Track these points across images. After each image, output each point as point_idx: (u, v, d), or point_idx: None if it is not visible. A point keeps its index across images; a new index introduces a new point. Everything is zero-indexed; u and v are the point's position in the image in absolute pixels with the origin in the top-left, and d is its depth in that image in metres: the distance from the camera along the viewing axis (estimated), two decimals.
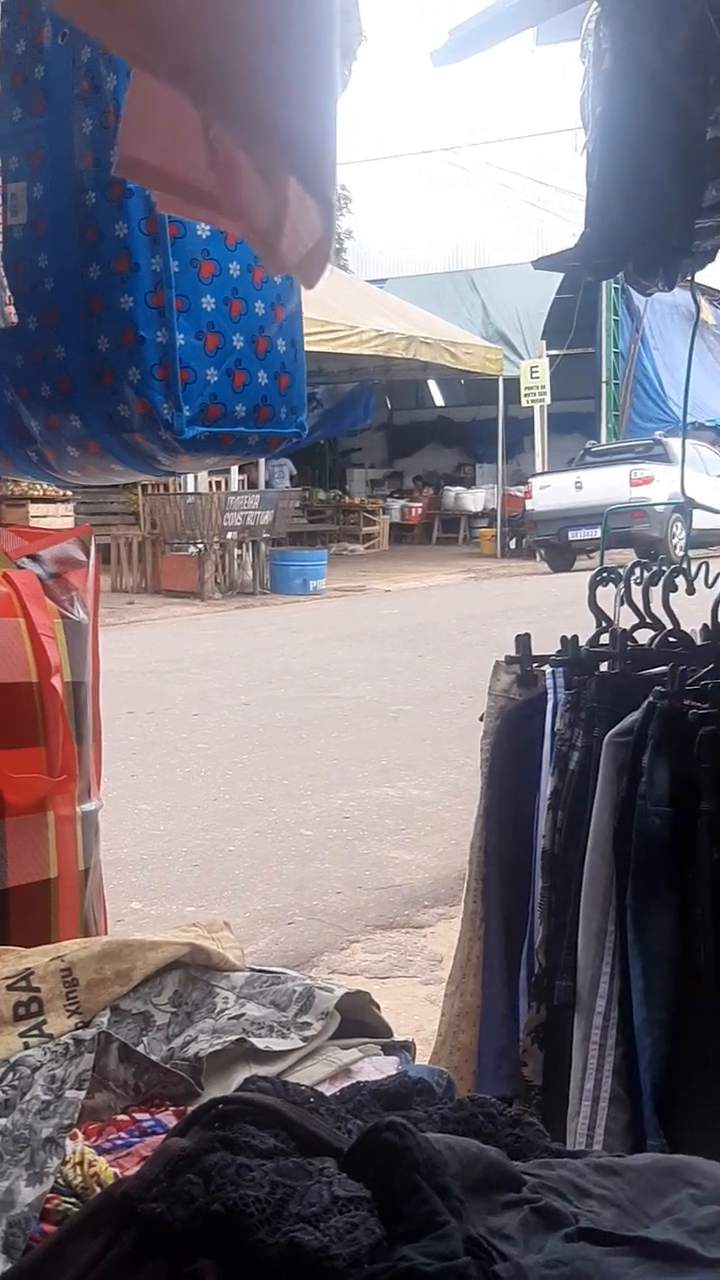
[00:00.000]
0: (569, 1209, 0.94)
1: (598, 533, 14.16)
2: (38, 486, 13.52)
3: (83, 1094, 1.19)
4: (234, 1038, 1.29)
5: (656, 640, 2.16)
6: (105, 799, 1.93)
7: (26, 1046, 1.25)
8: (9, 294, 1.67)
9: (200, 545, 14.55)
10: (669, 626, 2.18)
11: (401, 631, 11.24)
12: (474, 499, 22.44)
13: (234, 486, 16.44)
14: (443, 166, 21.88)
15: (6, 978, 1.32)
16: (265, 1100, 1.01)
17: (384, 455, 26.65)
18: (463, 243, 22.27)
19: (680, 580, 2.19)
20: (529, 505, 17.33)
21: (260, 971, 1.44)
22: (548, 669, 2.14)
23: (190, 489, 15.09)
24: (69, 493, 14.06)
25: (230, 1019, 1.33)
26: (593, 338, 20.92)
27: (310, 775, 6.10)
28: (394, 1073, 1.26)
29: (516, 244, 19.89)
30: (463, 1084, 2.11)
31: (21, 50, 1.76)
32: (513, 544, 19.78)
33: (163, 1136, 1.08)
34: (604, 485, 15.54)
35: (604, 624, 2.18)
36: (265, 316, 1.79)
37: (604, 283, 17.25)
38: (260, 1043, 1.29)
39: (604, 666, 2.10)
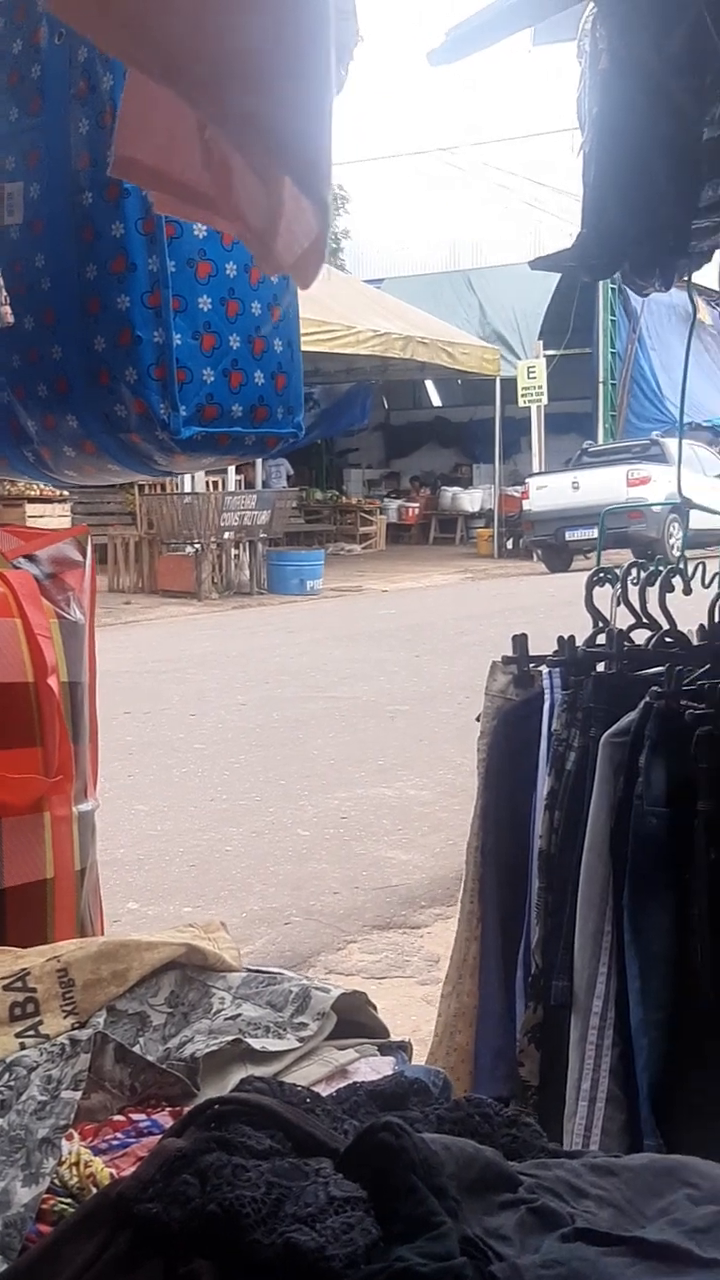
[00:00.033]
0: (565, 1209, 0.94)
1: (595, 533, 14.17)
2: (34, 486, 13.51)
3: (79, 1094, 1.19)
4: (230, 1038, 1.29)
5: (653, 640, 2.16)
6: (102, 799, 1.93)
7: (23, 1047, 1.25)
8: (5, 294, 1.67)
9: (197, 545, 14.54)
10: (666, 627, 2.18)
11: (398, 632, 11.24)
12: (471, 499, 22.44)
13: (231, 486, 16.44)
14: (440, 166, 21.88)
15: (3, 978, 1.32)
16: (261, 1101, 1.01)
17: (381, 455, 26.65)
18: (460, 243, 22.27)
19: (677, 580, 2.20)
20: (526, 505, 17.34)
21: (256, 972, 1.44)
22: (544, 669, 2.14)
23: (187, 489, 15.08)
24: (66, 493, 14.06)
25: (226, 1019, 1.33)
26: (590, 338, 20.93)
27: (307, 775, 6.10)
28: (390, 1073, 1.26)
29: (514, 244, 19.89)
30: (459, 1084, 2.11)
31: (18, 50, 1.76)
32: (510, 544, 19.79)
33: (159, 1137, 1.07)
34: (601, 485, 15.54)
35: (601, 624, 2.18)
36: (262, 317, 1.79)
37: (601, 283, 17.29)
38: (256, 1043, 1.29)
39: (601, 667, 2.10)
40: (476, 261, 21.86)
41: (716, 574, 2.31)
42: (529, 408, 19.42)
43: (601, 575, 2.21)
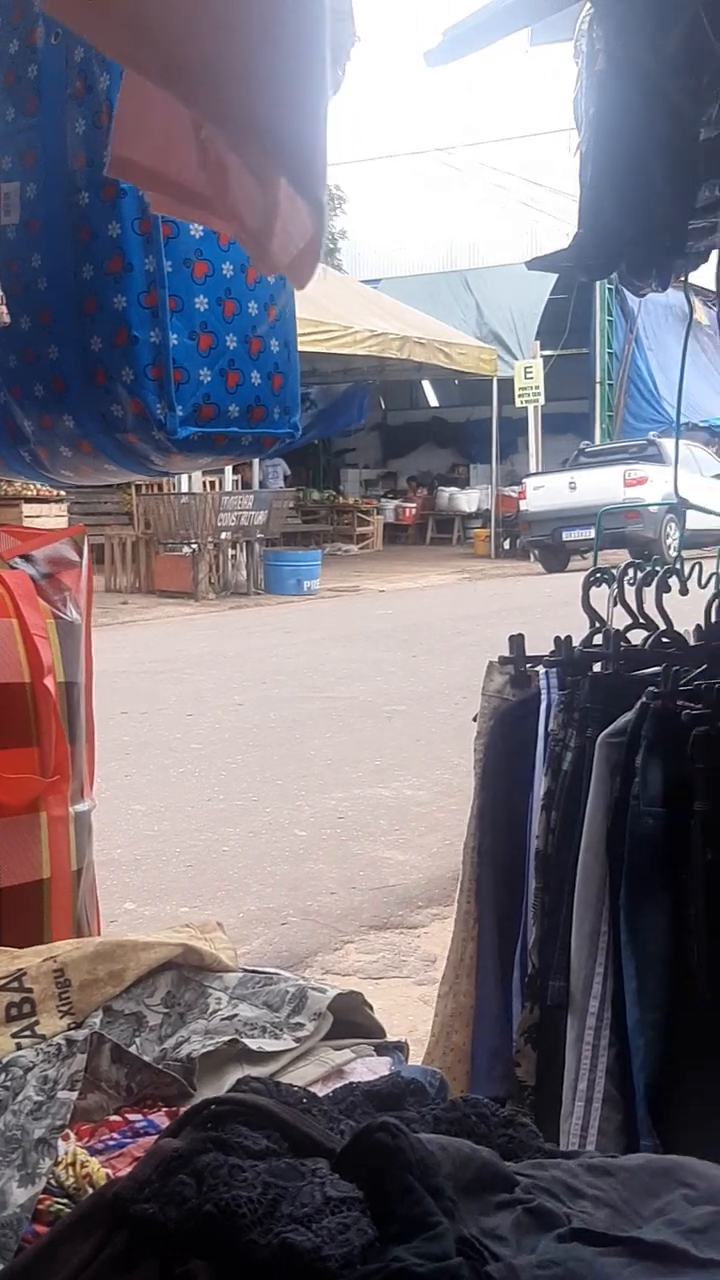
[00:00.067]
0: (562, 1209, 0.94)
1: (592, 533, 14.16)
2: (31, 486, 13.51)
3: (75, 1095, 1.19)
4: (226, 1039, 1.29)
5: (650, 641, 2.16)
6: (99, 799, 1.93)
7: (19, 1047, 1.25)
8: (2, 294, 1.67)
9: (194, 545, 14.54)
10: (662, 627, 2.18)
11: (395, 632, 11.24)
12: (468, 499, 22.44)
13: (228, 486, 16.43)
14: (437, 167, 21.88)
15: None
16: (258, 1101, 1.01)
17: (378, 455, 26.65)
18: (457, 243, 22.27)
19: (674, 580, 2.20)
20: (523, 506, 17.34)
21: (253, 972, 1.44)
22: (541, 669, 2.14)
23: (184, 489, 15.08)
24: (63, 493, 14.05)
25: (223, 1020, 1.33)
26: (587, 338, 20.94)
27: (304, 776, 6.10)
28: (387, 1073, 1.26)
29: (510, 244, 19.89)
30: (456, 1084, 2.11)
31: (15, 50, 1.76)
32: (507, 544, 19.79)
33: (155, 1137, 1.07)
34: (598, 486, 15.55)
35: (598, 624, 2.18)
36: (258, 317, 1.79)
37: (598, 283, 17.30)
38: (253, 1043, 1.29)
39: (597, 667, 2.10)
40: (473, 262, 21.87)
41: (713, 574, 2.31)
42: (526, 408, 19.43)
43: (598, 575, 2.21)
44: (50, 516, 14.15)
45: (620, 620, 2.18)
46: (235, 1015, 1.34)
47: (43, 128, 1.73)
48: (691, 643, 2.18)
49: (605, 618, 2.18)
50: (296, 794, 5.76)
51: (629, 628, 2.19)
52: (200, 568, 14.53)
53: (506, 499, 19.57)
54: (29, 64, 1.74)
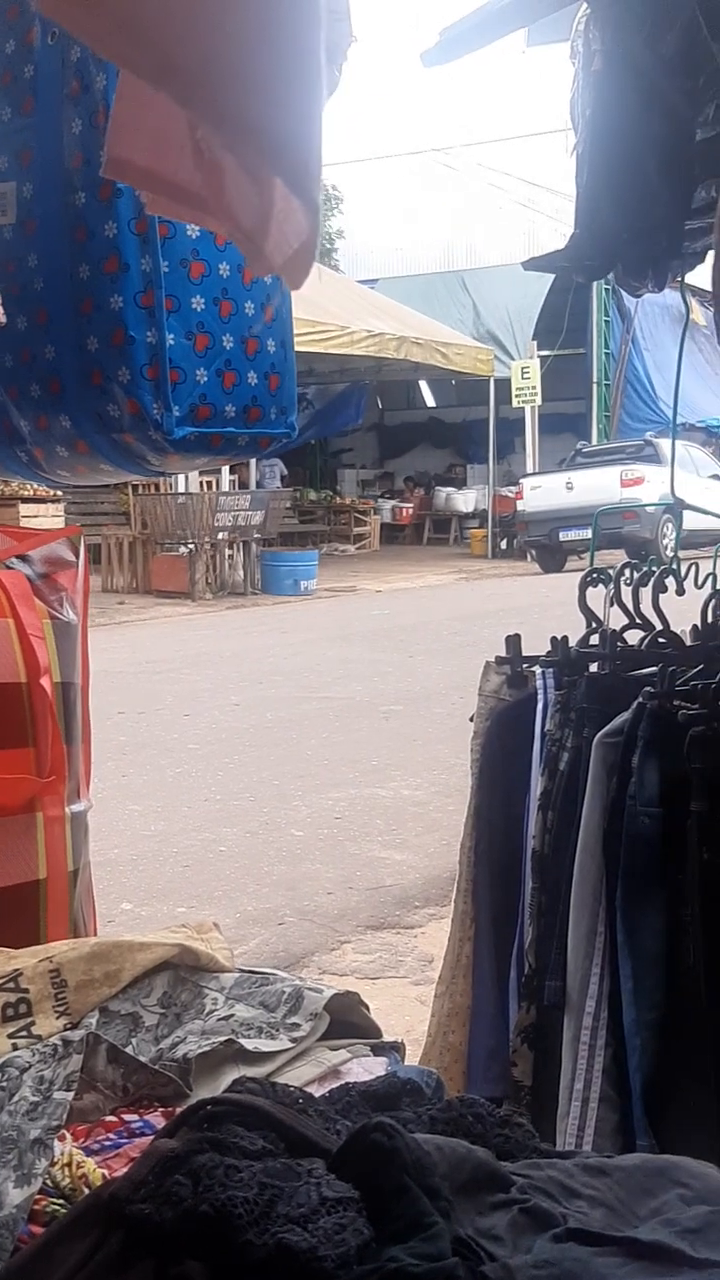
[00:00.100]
0: (557, 1209, 0.94)
1: (588, 533, 14.17)
2: (28, 487, 13.51)
3: (71, 1095, 1.19)
4: (223, 1039, 1.29)
5: (646, 641, 2.16)
6: (95, 800, 1.93)
7: (15, 1048, 1.25)
8: None
9: (191, 545, 14.54)
10: (659, 627, 2.18)
11: (392, 632, 11.24)
12: (465, 499, 22.45)
13: (225, 487, 16.43)
14: (434, 167, 21.89)
15: None
16: (254, 1101, 1.01)
17: (375, 456, 26.66)
18: (454, 243, 22.28)
19: (670, 581, 2.20)
20: (520, 506, 17.34)
21: (249, 972, 1.44)
22: (538, 670, 2.14)
23: (181, 489, 15.08)
24: (59, 493, 14.05)
25: (219, 1020, 1.33)
26: (584, 338, 20.94)
27: (301, 776, 6.10)
28: (383, 1073, 1.26)
29: (507, 245, 19.91)
30: (452, 1084, 2.11)
31: (11, 50, 1.76)
32: (504, 545, 19.79)
33: (151, 1138, 1.07)
34: (595, 486, 15.55)
35: (594, 625, 2.18)
36: (255, 317, 1.79)
37: (595, 284, 17.31)
38: (249, 1044, 1.29)
39: (594, 667, 2.10)
40: (470, 262, 21.87)
41: (709, 574, 2.31)
42: (523, 408, 19.43)
43: (595, 576, 2.21)
44: (47, 516, 14.16)
45: (617, 620, 2.19)
46: (231, 1015, 1.34)
47: (39, 127, 1.73)
48: (688, 643, 2.18)
49: (602, 618, 2.18)
50: (293, 794, 5.76)
51: (625, 628, 2.19)
52: (197, 568, 14.52)
53: (503, 499, 19.57)
54: (25, 64, 1.74)
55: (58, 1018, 1.30)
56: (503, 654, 2.22)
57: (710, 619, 2.22)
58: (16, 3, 1.75)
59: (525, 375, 19.11)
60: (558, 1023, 1.96)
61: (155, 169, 0.80)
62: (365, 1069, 1.31)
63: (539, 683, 2.12)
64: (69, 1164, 1.09)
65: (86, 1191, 1.05)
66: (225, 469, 16.21)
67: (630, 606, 2.21)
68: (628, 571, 2.21)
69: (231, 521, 14.80)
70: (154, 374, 1.70)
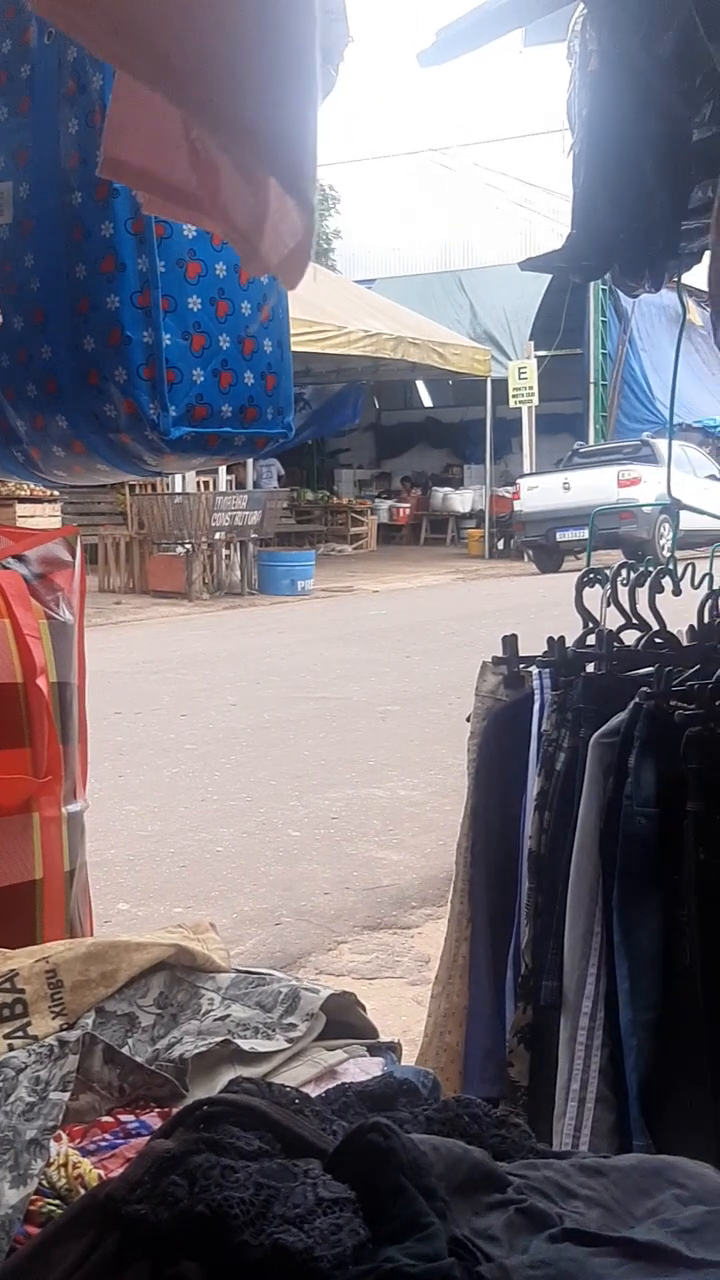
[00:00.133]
0: (554, 1210, 0.94)
1: (585, 533, 14.18)
2: (25, 486, 13.49)
3: (67, 1096, 1.19)
4: (219, 1039, 1.29)
5: (643, 641, 2.16)
6: (92, 800, 1.93)
7: (11, 1048, 1.25)
8: None
9: (188, 545, 14.53)
10: (655, 627, 2.18)
11: (389, 632, 11.24)
12: (462, 500, 22.44)
13: (222, 487, 16.43)
14: (431, 167, 21.89)
15: None
16: (250, 1102, 1.01)
17: (372, 456, 26.65)
18: (451, 243, 22.29)
19: (667, 581, 2.20)
20: (517, 506, 17.35)
21: (246, 973, 1.44)
22: (534, 670, 2.14)
23: (178, 489, 15.07)
24: (56, 493, 14.04)
25: (215, 1020, 1.33)
26: (580, 339, 20.95)
27: (298, 776, 6.10)
28: (379, 1074, 1.26)
29: (505, 245, 19.92)
30: (449, 1085, 2.11)
31: (7, 50, 1.75)
32: (500, 545, 19.80)
33: (147, 1138, 1.07)
34: (592, 486, 15.55)
35: (591, 625, 2.18)
36: (251, 317, 1.79)
37: (592, 284, 17.29)
38: (245, 1044, 1.29)
39: (591, 667, 2.11)
40: (467, 262, 21.88)
41: (706, 574, 2.32)
42: (520, 408, 19.44)
43: (592, 576, 2.21)
44: (44, 517, 14.14)
45: (614, 621, 2.19)
46: (228, 1016, 1.34)
47: (35, 127, 1.73)
48: (685, 643, 2.18)
49: (599, 618, 2.18)
50: (290, 794, 5.76)
51: (622, 628, 2.19)
52: (194, 568, 14.52)
53: (500, 499, 19.56)
54: (22, 64, 1.74)
55: (54, 1018, 1.30)
56: (499, 654, 2.22)
57: (707, 619, 2.22)
58: (13, 2, 1.75)
59: (522, 375, 19.11)
60: (554, 1023, 1.96)
61: (151, 169, 0.80)
62: (362, 1069, 1.31)
63: (536, 683, 2.12)
64: (65, 1164, 1.09)
65: (83, 1192, 1.05)
66: (222, 469, 16.20)
67: (627, 607, 2.21)
68: (624, 572, 2.21)
69: (228, 521, 14.79)
70: (150, 374, 1.70)
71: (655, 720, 1.88)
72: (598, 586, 2.20)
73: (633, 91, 1.95)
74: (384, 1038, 1.42)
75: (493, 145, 21.36)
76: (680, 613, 2.22)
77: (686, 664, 1.99)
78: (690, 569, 2.29)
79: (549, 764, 2.04)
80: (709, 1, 1.87)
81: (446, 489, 23.01)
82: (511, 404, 19.27)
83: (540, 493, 16.79)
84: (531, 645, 2.20)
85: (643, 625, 2.20)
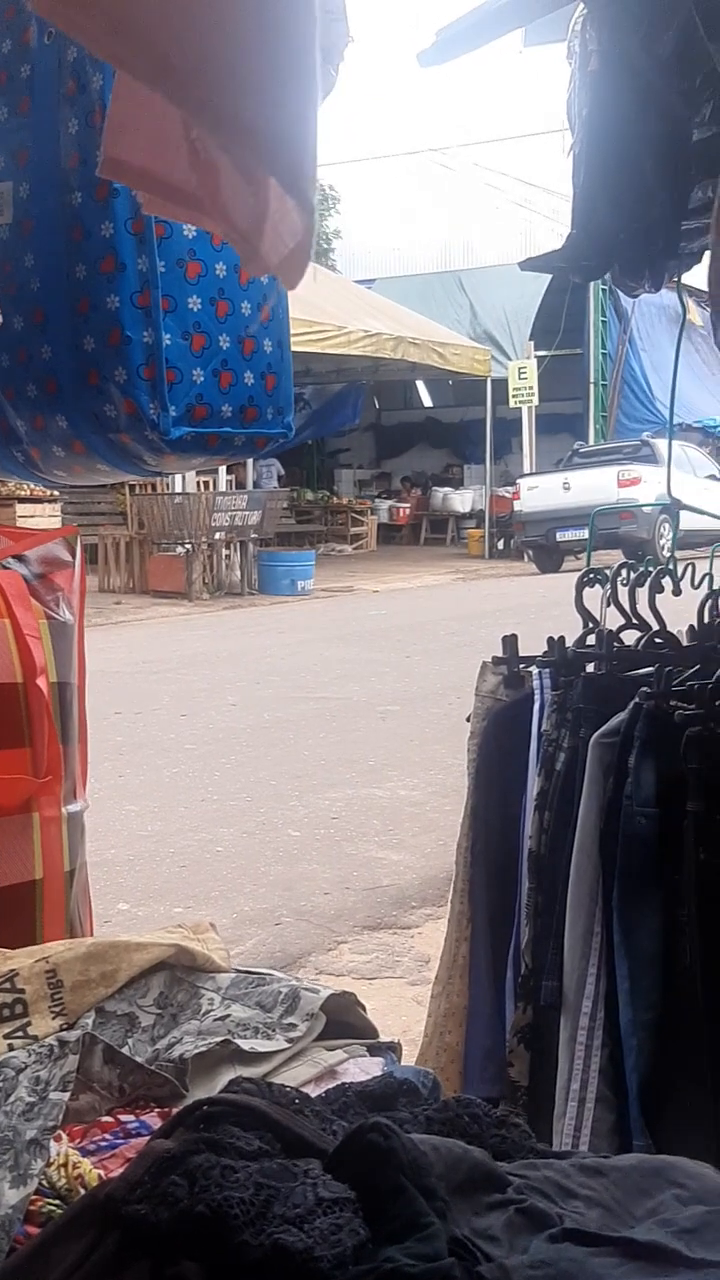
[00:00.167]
0: (554, 1210, 0.94)
1: (585, 534, 14.18)
2: (25, 486, 13.49)
3: (67, 1096, 1.19)
4: (219, 1039, 1.29)
5: (643, 641, 2.16)
6: (92, 800, 1.93)
7: (11, 1048, 1.25)
8: None
9: (188, 545, 14.53)
10: (655, 627, 2.18)
11: (389, 632, 11.24)
12: (462, 500, 22.44)
13: (222, 487, 16.43)
14: (431, 167, 21.89)
15: None
16: (250, 1102, 1.01)
17: (372, 456, 26.65)
18: (451, 243, 22.29)
19: (667, 581, 2.20)
20: (517, 506, 17.35)
21: (245, 973, 1.44)
22: (534, 670, 2.14)
23: (178, 489, 15.07)
24: (56, 493, 14.04)
25: (215, 1020, 1.33)
26: (580, 339, 20.95)
27: (298, 776, 6.10)
28: (379, 1074, 1.26)
29: (505, 245, 19.92)
30: (449, 1085, 2.11)
31: (7, 50, 1.75)
32: (500, 545, 19.79)
33: (147, 1138, 1.07)
34: (592, 486, 15.55)
35: (591, 625, 2.18)
36: (251, 317, 1.79)
37: (592, 284, 17.29)
38: (245, 1044, 1.29)
39: (591, 667, 2.10)
40: (467, 262, 21.88)
41: (706, 574, 2.32)
42: (520, 408, 19.44)
43: (592, 576, 2.21)
44: (44, 517, 14.13)
45: (614, 621, 2.19)
46: (228, 1016, 1.34)
47: (35, 127, 1.73)
48: (685, 643, 2.18)
49: (599, 618, 2.18)
50: (290, 794, 5.76)
51: (622, 628, 2.19)
52: (194, 568, 14.52)
53: (500, 499, 19.56)
54: (22, 64, 1.74)
55: (54, 1018, 1.30)
56: (499, 654, 2.22)
57: (707, 619, 2.22)
58: (13, 2, 1.75)
59: (522, 375, 19.11)
60: (554, 1023, 1.96)
61: (151, 169, 0.80)
62: (362, 1069, 1.31)
63: (536, 683, 2.12)
64: (65, 1164, 1.09)
65: (83, 1192, 1.05)
66: (222, 469, 16.19)
67: (627, 607, 2.21)
68: (624, 572, 2.21)
69: (228, 521, 14.79)
70: (150, 374, 1.70)
71: (655, 720, 1.88)
72: (598, 586, 2.20)
73: (633, 91, 1.95)
74: (384, 1038, 1.42)
75: (493, 145, 21.36)
76: (680, 613, 2.22)
77: (686, 664, 1.99)
78: (690, 569, 2.29)
79: (549, 764, 2.04)
80: (709, 1, 1.87)
81: (446, 489, 23.01)
82: (511, 404, 19.27)
83: (540, 493, 16.79)
84: (531, 645, 2.20)
85: (643, 625, 2.20)
